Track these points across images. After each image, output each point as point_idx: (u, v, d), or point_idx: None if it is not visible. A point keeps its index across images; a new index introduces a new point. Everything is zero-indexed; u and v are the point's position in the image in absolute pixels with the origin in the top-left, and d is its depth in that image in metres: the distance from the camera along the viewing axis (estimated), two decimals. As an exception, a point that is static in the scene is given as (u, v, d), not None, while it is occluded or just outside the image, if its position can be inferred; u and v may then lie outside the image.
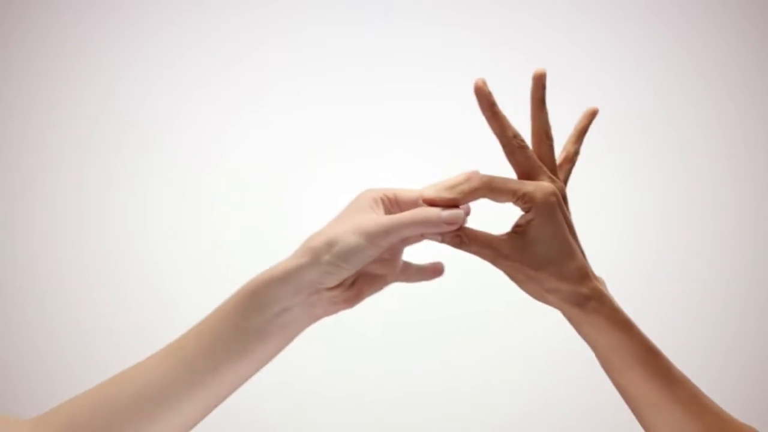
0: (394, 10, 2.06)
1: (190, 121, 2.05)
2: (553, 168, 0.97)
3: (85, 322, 1.98)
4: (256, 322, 0.88)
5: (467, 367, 2.00)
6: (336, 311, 0.93)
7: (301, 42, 2.06)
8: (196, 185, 2.03)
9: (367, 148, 2.04)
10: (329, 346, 2.01)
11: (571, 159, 1.02)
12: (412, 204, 0.93)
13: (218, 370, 0.87)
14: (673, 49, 2.05)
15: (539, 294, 0.94)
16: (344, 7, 2.06)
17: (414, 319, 2.01)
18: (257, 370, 0.91)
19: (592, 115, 1.03)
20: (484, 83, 0.98)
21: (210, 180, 2.04)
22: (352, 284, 0.92)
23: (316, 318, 0.93)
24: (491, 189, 0.95)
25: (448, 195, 0.93)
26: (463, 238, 0.95)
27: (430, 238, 0.95)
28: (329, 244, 0.89)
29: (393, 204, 0.94)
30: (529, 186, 0.93)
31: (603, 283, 0.96)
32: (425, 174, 2.03)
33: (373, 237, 0.88)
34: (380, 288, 0.96)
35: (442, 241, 0.95)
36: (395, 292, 2.02)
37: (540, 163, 0.96)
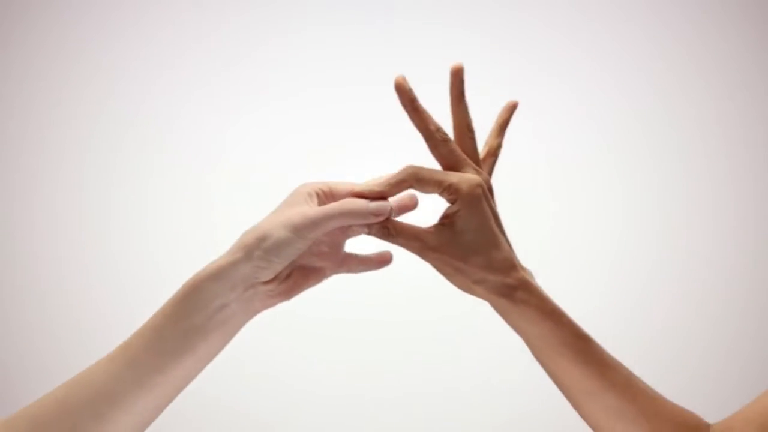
0: (394, 10, 2.06)
1: (190, 121, 2.05)
2: (476, 160, 0.99)
3: (85, 322, 1.98)
4: (195, 319, 0.89)
5: (467, 367, 2.00)
6: (274, 304, 0.94)
7: (300, 42, 2.06)
8: (196, 185, 2.03)
9: (367, 148, 2.04)
10: (329, 346, 2.01)
11: (494, 152, 1.03)
12: (345, 196, 0.94)
13: (163, 369, 0.88)
14: (673, 49, 2.05)
15: (467, 286, 0.95)
16: (344, 7, 2.06)
17: (413, 319, 2.01)
18: (203, 367, 0.93)
19: (512, 108, 1.04)
20: (404, 80, 1.00)
21: (210, 180, 2.04)
22: (288, 276, 0.93)
23: (255, 312, 0.95)
24: (417, 180, 0.97)
25: (377, 188, 0.95)
26: (390, 230, 0.96)
27: (359, 231, 0.96)
28: (260, 239, 0.91)
29: (328, 197, 0.96)
30: (454, 177, 0.95)
31: (531, 274, 0.97)
32: (425, 174, 2.03)
33: (300, 229, 0.88)
34: (318, 280, 0.97)
35: (369, 233, 0.96)
36: (395, 292, 2.02)
37: (464, 156, 0.97)
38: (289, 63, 2.06)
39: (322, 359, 2.01)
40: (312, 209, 0.90)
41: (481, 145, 1.03)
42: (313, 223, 0.89)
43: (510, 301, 0.92)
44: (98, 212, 2.00)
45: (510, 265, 0.93)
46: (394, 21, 2.06)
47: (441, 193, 0.94)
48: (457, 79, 1.01)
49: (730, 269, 2.01)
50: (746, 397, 2.01)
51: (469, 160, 0.96)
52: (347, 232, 0.96)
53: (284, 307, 2.13)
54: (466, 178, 0.93)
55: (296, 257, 0.89)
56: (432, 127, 0.96)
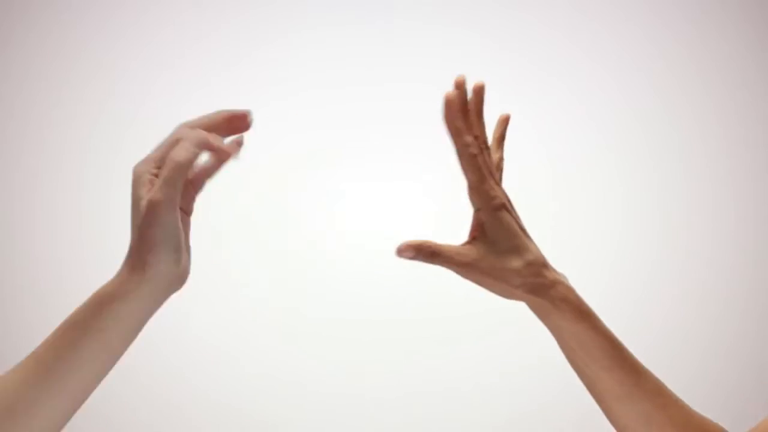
0: (394, 11, 2.06)
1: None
2: (493, 174, 1.02)
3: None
4: (96, 323, 0.89)
5: (467, 367, 2.01)
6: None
7: (300, 42, 2.06)
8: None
9: (367, 148, 2.04)
10: (329, 346, 2.01)
11: (498, 167, 1.06)
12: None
13: (66, 373, 0.87)
14: (673, 49, 2.05)
15: (508, 291, 0.97)
16: (344, 8, 2.06)
17: (413, 319, 2.01)
18: (111, 366, 0.92)
19: (506, 121, 1.06)
20: (464, 81, 1.01)
21: (213, 179, 2.04)
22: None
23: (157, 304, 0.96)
24: None
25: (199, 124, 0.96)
26: (430, 252, 0.99)
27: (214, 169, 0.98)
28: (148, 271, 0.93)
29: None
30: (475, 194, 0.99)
31: (564, 277, 0.98)
32: (425, 173, 2.03)
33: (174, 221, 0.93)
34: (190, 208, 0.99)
35: (413, 258, 1.00)
36: (395, 292, 2.02)
37: (487, 171, 1.00)
38: (289, 63, 2.06)
39: (322, 359, 2.01)
40: (151, 196, 0.93)
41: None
42: (173, 191, 0.93)
43: (548, 300, 0.95)
44: (98, 212, 2.00)
45: (543, 263, 0.98)
46: (394, 21, 2.06)
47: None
48: (478, 97, 1.02)
49: (730, 269, 2.01)
50: (745, 397, 2.01)
51: (490, 174, 0.99)
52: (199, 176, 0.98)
53: (284, 307, 2.14)
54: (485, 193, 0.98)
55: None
56: (468, 139, 0.99)
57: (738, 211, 2.02)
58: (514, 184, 2.10)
